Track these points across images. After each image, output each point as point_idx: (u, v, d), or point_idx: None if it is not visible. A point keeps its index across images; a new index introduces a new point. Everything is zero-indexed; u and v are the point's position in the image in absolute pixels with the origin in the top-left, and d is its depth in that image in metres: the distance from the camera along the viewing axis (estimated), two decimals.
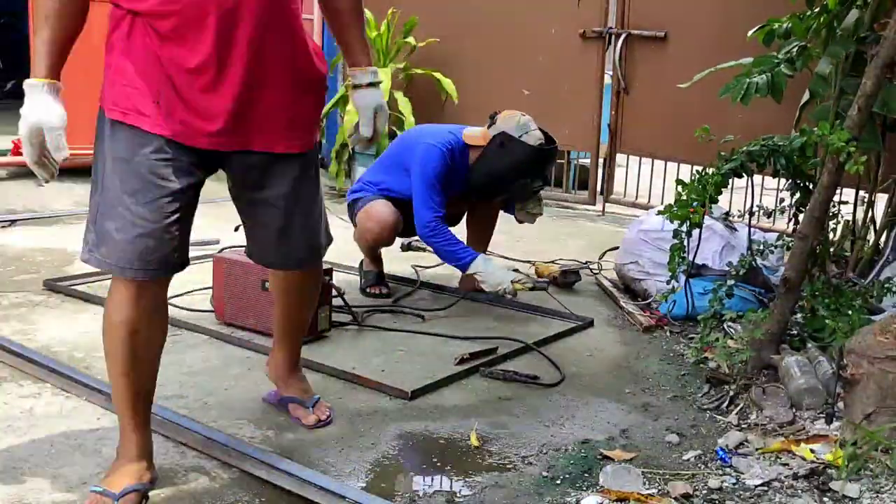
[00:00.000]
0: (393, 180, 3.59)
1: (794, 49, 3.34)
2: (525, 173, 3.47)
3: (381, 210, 3.52)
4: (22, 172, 5.42)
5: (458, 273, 3.71)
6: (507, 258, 4.13)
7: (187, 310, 3.36)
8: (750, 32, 3.74)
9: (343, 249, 4.17)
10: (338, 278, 3.51)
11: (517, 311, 3.60)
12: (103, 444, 2.26)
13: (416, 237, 3.86)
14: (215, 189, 6.27)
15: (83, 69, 5.43)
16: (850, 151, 2.69)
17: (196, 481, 2.10)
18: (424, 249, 4.05)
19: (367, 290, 3.73)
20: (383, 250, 3.75)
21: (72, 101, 5.80)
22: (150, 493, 2.02)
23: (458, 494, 2.13)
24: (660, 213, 3.08)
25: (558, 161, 6.39)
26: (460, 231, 3.73)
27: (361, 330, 3.26)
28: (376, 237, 3.56)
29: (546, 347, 3.19)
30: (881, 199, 3.76)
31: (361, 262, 3.85)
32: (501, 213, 3.81)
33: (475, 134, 3.54)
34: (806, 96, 3.47)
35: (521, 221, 3.76)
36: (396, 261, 3.96)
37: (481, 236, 3.82)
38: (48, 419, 2.39)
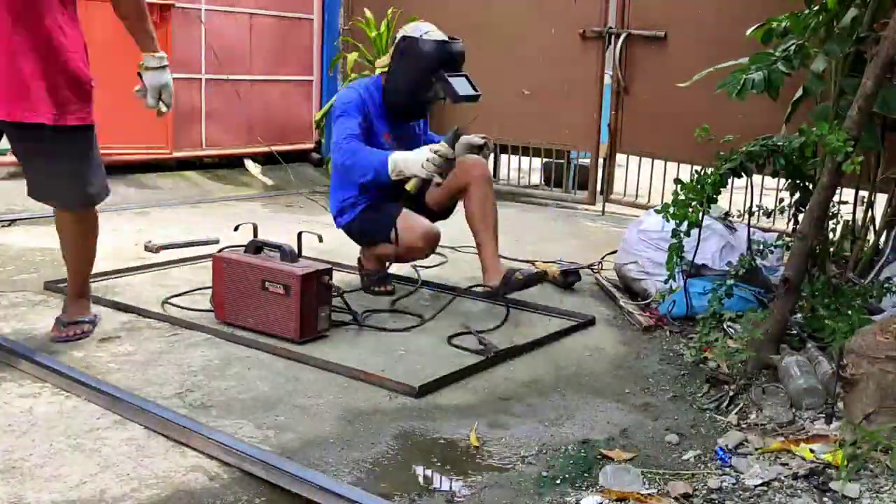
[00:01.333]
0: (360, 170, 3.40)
1: (792, 47, 3.34)
2: (435, 70, 3.41)
3: (423, 223, 3.45)
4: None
5: (459, 274, 3.70)
6: (506, 258, 4.12)
7: (187, 309, 3.36)
8: (749, 31, 3.74)
9: (342, 250, 4.18)
10: (338, 278, 3.50)
11: (518, 311, 3.60)
12: (103, 443, 2.26)
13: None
14: (214, 189, 6.25)
15: None
16: (847, 151, 2.69)
17: (196, 481, 2.10)
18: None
19: (374, 288, 3.71)
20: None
21: None
22: (150, 493, 2.03)
23: (457, 494, 2.13)
24: (657, 212, 3.08)
25: (558, 161, 6.43)
26: (460, 228, 3.73)
27: (361, 330, 3.26)
28: (421, 252, 3.53)
29: (546, 347, 3.19)
30: (881, 199, 3.76)
31: (360, 260, 3.85)
32: (503, 215, 3.78)
33: (383, 62, 3.54)
34: (799, 93, 3.47)
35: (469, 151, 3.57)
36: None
37: (482, 220, 3.58)
38: (48, 419, 2.39)
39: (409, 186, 3.31)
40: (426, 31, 3.46)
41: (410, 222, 3.47)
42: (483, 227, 3.60)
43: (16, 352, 2.79)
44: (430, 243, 3.50)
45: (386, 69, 3.53)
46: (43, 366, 2.69)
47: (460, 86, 3.45)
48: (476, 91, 3.51)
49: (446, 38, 3.47)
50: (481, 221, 3.59)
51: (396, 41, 3.49)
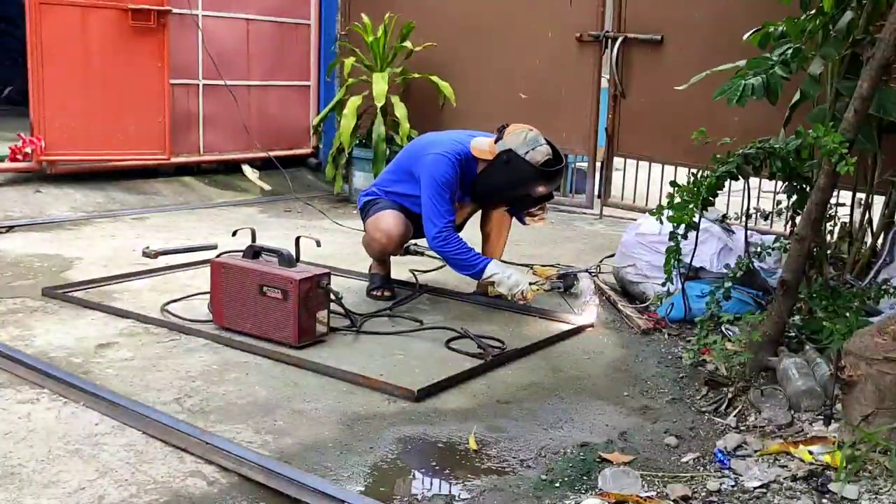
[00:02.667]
0: (403, 188, 3.63)
1: (789, 51, 3.35)
2: (527, 189, 3.52)
3: (389, 221, 3.56)
4: (20, 178, 5.42)
5: (458, 278, 3.71)
6: (504, 262, 4.12)
7: (185, 319, 3.35)
8: (745, 35, 3.75)
9: (341, 254, 4.18)
10: (336, 282, 3.50)
11: (517, 314, 3.60)
12: (101, 449, 2.26)
13: (415, 241, 3.87)
14: (212, 194, 6.27)
15: (80, 74, 5.47)
16: (842, 153, 2.69)
17: (195, 486, 2.10)
18: (422, 253, 4.05)
19: (373, 292, 3.75)
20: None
21: (69, 104, 5.83)
22: (149, 499, 2.03)
23: (456, 498, 2.12)
24: (651, 213, 3.09)
25: None
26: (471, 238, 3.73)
27: (360, 334, 3.26)
28: (383, 247, 3.61)
29: (545, 350, 3.19)
30: (878, 202, 3.77)
31: (371, 266, 3.88)
32: (513, 221, 3.85)
33: (482, 147, 3.55)
34: (797, 96, 3.48)
35: (524, 223, 3.85)
36: (395, 264, 3.95)
37: (495, 243, 3.83)
38: (46, 425, 2.39)
39: (490, 291, 3.67)
40: (532, 147, 3.44)
41: (381, 217, 3.59)
42: (494, 240, 3.80)
43: (14, 357, 2.79)
44: (387, 236, 3.55)
45: (484, 159, 3.54)
46: (40, 371, 2.69)
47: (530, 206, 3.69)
48: (544, 217, 3.84)
49: (549, 157, 3.47)
50: (495, 234, 3.80)
51: (502, 149, 3.47)
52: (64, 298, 3.50)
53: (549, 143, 3.51)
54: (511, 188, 3.53)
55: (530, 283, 3.49)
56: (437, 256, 4.07)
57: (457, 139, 3.60)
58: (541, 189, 3.54)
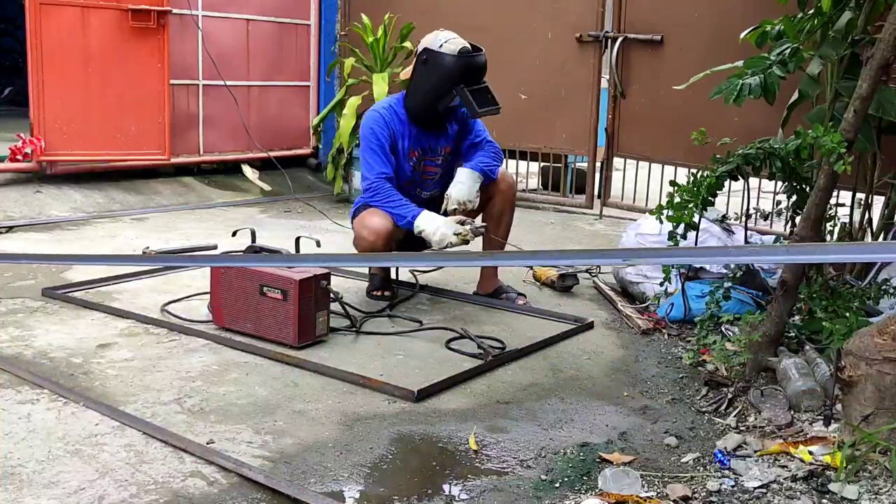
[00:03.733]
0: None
1: (787, 51, 3.35)
2: (456, 81, 3.42)
3: (375, 219, 3.49)
4: (20, 179, 5.42)
5: (457, 279, 3.70)
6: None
7: (185, 320, 3.35)
8: (742, 34, 3.75)
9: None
10: (336, 283, 3.50)
11: (517, 314, 3.60)
12: (101, 449, 2.26)
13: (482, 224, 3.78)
14: (212, 194, 6.27)
15: (80, 74, 5.46)
16: (840, 152, 2.69)
17: (194, 486, 2.10)
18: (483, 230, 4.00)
19: (372, 293, 3.74)
20: None
21: (69, 105, 5.82)
22: (149, 499, 2.03)
23: (456, 498, 2.12)
24: (651, 213, 3.09)
25: (556, 165, 6.43)
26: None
27: (360, 334, 3.26)
28: (370, 245, 3.54)
29: (545, 350, 3.19)
30: (878, 202, 3.77)
31: (371, 266, 3.87)
32: (514, 222, 3.81)
33: (406, 72, 3.55)
34: (795, 96, 3.48)
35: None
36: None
37: (494, 232, 3.69)
38: (46, 425, 2.39)
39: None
40: (445, 40, 3.44)
41: (367, 216, 3.53)
42: (493, 239, 3.71)
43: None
44: (374, 234, 3.46)
45: (408, 81, 3.54)
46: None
47: (480, 100, 3.49)
48: (495, 104, 3.55)
49: (467, 49, 3.45)
50: (493, 230, 3.69)
51: (417, 52, 3.50)
52: (64, 299, 3.51)
53: (464, 41, 3.48)
54: (439, 86, 3.42)
55: (456, 234, 3.33)
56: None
57: (386, 97, 3.62)
58: (467, 80, 3.41)
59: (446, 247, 3.35)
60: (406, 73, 3.57)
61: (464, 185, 3.51)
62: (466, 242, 3.40)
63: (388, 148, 3.48)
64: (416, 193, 3.63)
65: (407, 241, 3.58)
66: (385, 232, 3.47)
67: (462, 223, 3.39)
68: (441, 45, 3.41)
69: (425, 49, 3.44)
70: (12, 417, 2.43)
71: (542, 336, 3.31)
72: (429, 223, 3.36)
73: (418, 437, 2.45)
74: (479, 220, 3.61)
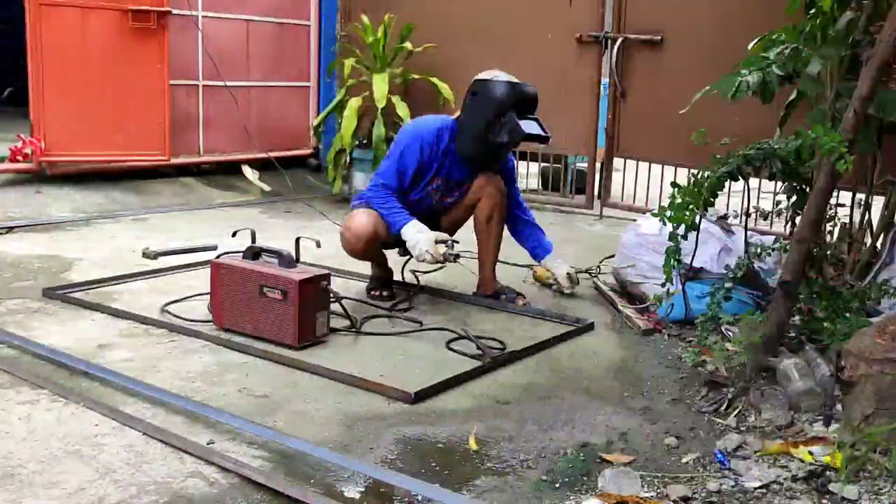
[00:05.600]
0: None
1: (786, 50, 3.35)
2: (505, 110, 3.44)
3: (359, 220, 3.51)
4: (20, 179, 5.42)
5: (457, 279, 3.70)
6: (505, 263, 4.12)
7: (185, 319, 3.35)
8: (751, 45, 3.74)
9: (341, 255, 4.18)
10: (336, 283, 3.50)
11: (517, 315, 3.60)
12: (101, 450, 2.26)
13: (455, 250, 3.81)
14: (212, 195, 6.26)
15: (80, 75, 5.46)
16: (841, 152, 2.69)
17: (194, 487, 2.10)
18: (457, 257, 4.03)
19: (371, 293, 3.75)
20: (388, 254, 3.76)
21: (69, 106, 5.81)
22: (149, 500, 2.03)
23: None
24: (654, 215, 3.09)
25: (556, 165, 6.43)
26: (458, 234, 3.73)
27: (359, 335, 3.26)
28: (351, 246, 3.57)
29: (545, 351, 3.19)
30: (878, 202, 3.77)
31: (372, 267, 3.87)
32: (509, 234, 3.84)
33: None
34: (793, 95, 3.48)
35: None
36: (396, 265, 3.95)
37: (485, 233, 3.70)
38: (46, 425, 2.39)
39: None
40: (496, 75, 3.52)
41: (352, 216, 3.57)
42: (485, 240, 3.72)
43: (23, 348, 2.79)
44: (355, 237, 3.51)
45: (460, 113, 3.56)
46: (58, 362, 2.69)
47: (528, 126, 3.52)
48: (544, 132, 3.58)
49: (517, 81, 3.51)
50: (485, 233, 3.71)
51: (470, 86, 3.52)
52: (64, 299, 3.51)
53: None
54: (488, 117, 3.44)
55: (432, 254, 3.39)
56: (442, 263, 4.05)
57: (442, 116, 3.63)
58: (517, 111, 3.44)
59: (421, 260, 3.44)
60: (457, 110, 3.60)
61: (561, 262, 3.76)
62: (441, 264, 3.48)
63: (410, 173, 3.51)
64: (421, 207, 3.63)
65: (397, 242, 3.61)
66: (366, 235, 3.51)
67: (444, 242, 3.47)
68: (492, 78, 3.49)
69: (476, 80, 3.50)
70: (12, 418, 2.43)
71: (542, 336, 3.31)
72: (412, 234, 3.43)
73: (418, 437, 2.45)
74: (460, 246, 3.60)
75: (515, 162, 3.87)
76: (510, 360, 3.06)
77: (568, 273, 3.79)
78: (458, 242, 3.56)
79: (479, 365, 2.97)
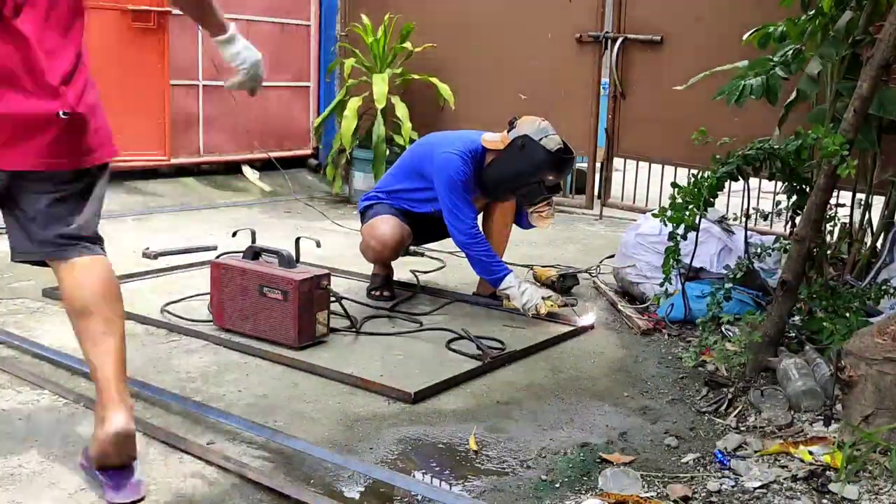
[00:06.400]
0: (407, 184, 3.63)
1: (790, 52, 3.35)
2: (540, 176, 3.48)
3: (384, 228, 3.55)
4: None
5: (457, 279, 3.70)
6: (506, 263, 4.13)
7: (185, 319, 3.35)
8: (745, 36, 3.75)
9: (341, 255, 4.18)
10: (336, 283, 3.50)
11: (517, 315, 3.60)
12: None
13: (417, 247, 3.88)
14: (212, 195, 6.26)
15: None
16: (843, 155, 2.69)
17: (195, 487, 2.10)
18: (423, 254, 4.05)
19: (372, 293, 3.75)
20: None
21: None
22: (149, 500, 2.03)
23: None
24: (654, 215, 3.09)
25: None
26: None
27: (359, 335, 3.26)
28: (377, 254, 3.61)
29: (545, 351, 3.19)
30: (878, 202, 3.77)
31: (374, 267, 3.87)
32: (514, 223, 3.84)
33: (494, 138, 3.56)
34: (793, 95, 3.48)
35: (527, 226, 3.81)
36: (397, 265, 3.95)
37: (497, 243, 3.76)
38: (46, 425, 2.39)
39: (505, 304, 3.62)
40: (546, 135, 3.48)
41: (376, 224, 3.58)
42: (496, 240, 3.73)
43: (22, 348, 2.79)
44: (382, 243, 3.54)
45: (494, 149, 3.54)
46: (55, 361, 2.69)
47: (545, 195, 3.59)
48: (552, 216, 3.73)
49: (562, 150, 3.50)
50: (488, 234, 3.72)
51: (516, 135, 3.48)
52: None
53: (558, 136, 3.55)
54: (524, 174, 3.48)
55: (544, 298, 3.50)
56: (437, 258, 4.08)
57: (466, 137, 3.61)
58: (552, 177, 3.51)
59: (529, 309, 3.45)
60: (492, 139, 3.56)
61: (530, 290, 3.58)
62: (538, 313, 3.48)
63: (470, 193, 3.52)
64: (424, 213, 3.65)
65: (419, 234, 3.65)
66: (392, 243, 3.54)
67: (549, 298, 3.57)
68: (541, 139, 3.45)
69: (526, 136, 3.46)
70: (12, 418, 2.43)
71: (541, 337, 3.31)
72: (516, 284, 3.48)
73: (418, 437, 2.45)
74: (560, 298, 3.75)
75: None
76: (510, 360, 3.06)
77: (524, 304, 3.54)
78: (563, 300, 3.71)
79: (479, 365, 2.97)
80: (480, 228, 3.63)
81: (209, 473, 2.17)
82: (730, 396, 2.73)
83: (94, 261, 2.15)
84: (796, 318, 3.09)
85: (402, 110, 5.86)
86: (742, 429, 2.56)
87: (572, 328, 3.43)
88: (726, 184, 3.05)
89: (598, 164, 6.05)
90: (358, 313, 3.40)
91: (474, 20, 6.23)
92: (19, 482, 2.08)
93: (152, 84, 5.70)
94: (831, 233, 3.61)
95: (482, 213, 3.78)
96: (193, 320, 3.31)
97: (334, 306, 3.23)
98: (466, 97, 6.07)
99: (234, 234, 3.62)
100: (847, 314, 2.96)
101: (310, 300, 3.05)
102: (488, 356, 3.02)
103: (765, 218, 3.49)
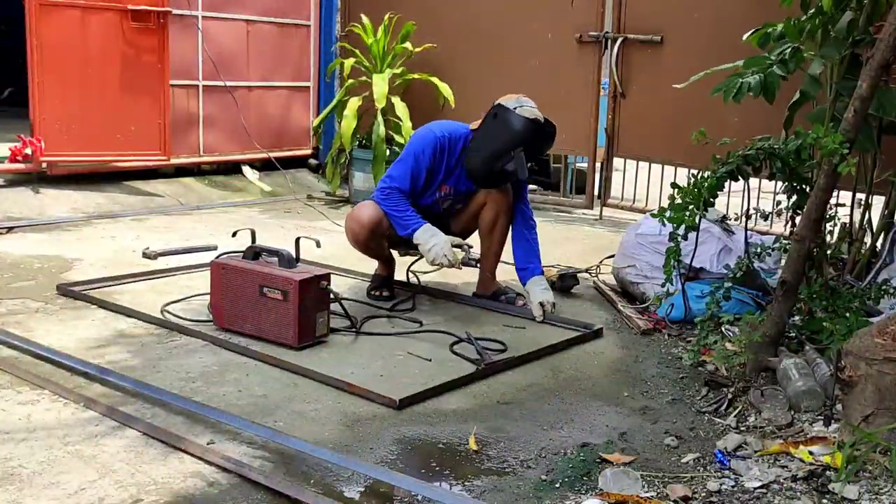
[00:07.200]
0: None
1: (787, 50, 3.35)
2: (514, 145, 3.41)
3: (363, 210, 3.53)
4: (19, 179, 5.42)
5: (457, 279, 3.70)
6: (505, 263, 4.13)
7: (186, 319, 3.35)
8: (745, 35, 3.75)
9: (341, 255, 4.18)
10: (336, 283, 3.50)
11: (517, 315, 3.60)
12: (101, 450, 2.26)
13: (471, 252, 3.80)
14: (212, 195, 6.26)
15: (80, 75, 5.46)
16: (843, 153, 2.69)
17: (195, 487, 2.10)
18: (475, 263, 4.01)
19: (372, 292, 3.75)
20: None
21: (69, 106, 5.81)
22: (149, 500, 2.03)
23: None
24: (653, 216, 3.09)
25: (556, 165, 6.43)
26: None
27: (359, 335, 3.26)
28: (355, 235, 3.57)
29: (545, 352, 3.19)
30: (878, 202, 3.77)
31: (376, 267, 3.87)
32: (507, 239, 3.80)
33: (479, 119, 3.57)
34: (796, 96, 3.48)
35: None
36: (398, 265, 3.95)
37: (488, 237, 3.70)
38: (46, 426, 2.38)
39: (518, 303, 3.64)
40: (521, 104, 3.45)
41: (358, 207, 3.61)
42: (487, 242, 3.71)
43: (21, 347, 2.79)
44: (358, 226, 3.52)
45: (476, 129, 3.55)
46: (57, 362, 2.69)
47: (532, 168, 3.51)
48: (547, 178, 3.79)
49: (540, 118, 3.46)
50: (487, 237, 3.71)
51: (492, 107, 3.49)
52: (78, 296, 3.50)
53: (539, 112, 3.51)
54: (499, 144, 3.43)
55: (448, 258, 3.37)
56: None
57: (458, 124, 3.62)
58: (528, 149, 3.43)
59: (436, 264, 3.41)
60: (476, 122, 3.57)
61: (547, 289, 3.58)
62: (457, 268, 3.46)
63: (423, 175, 3.50)
64: (430, 214, 3.60)
65: (403, 240, 3.60)
66: (370, 223, 3.50)
67: (460, 246, 3.45)
68: (516, 108, 3.43)
69: (499, 104, 3.46)
70: (12, 418, 2.43)
71: (542, 338, 3.31)
72: (426, 238, 3.40)
73: (418, 437, 2.45)
74: (475, 251, 3.68)
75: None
76: (506, 367, 3.00)
77: (541, 302, 3.53)
78: (472, 247, 3.57)
79: (474, 371, 2.91)
80: (483, 229, 3.65)
81: (209, 473, 2.17)
82: (730, 396, 2.73)
83: None
84: (796, 318, 3.09)
85: (402, 110, 5.86)
86: (742, 429, 2.56)
87: (578, 333, 3.38)
88: (726, 184, 3.05)
89: (598, 164, 6.05)
90: (358, 313, 3.40)
91: (474, 20, 6.23)
92: (19, 482, 2.08)
93: (152, 84, 5.69)
94: (831, 233, 3.60)
95: (479, 212, 3.69)
96: (193, 320, 3.31)
97: (334, 306, 3.23)
98: (466, 97, 6.06)
99: (234, 234, 3.62)
100: (847, 314, 2.96)
101: (310, 300, 3.04)
102: (482, 362, 2.97)
103: (765, 218, 3.48)
